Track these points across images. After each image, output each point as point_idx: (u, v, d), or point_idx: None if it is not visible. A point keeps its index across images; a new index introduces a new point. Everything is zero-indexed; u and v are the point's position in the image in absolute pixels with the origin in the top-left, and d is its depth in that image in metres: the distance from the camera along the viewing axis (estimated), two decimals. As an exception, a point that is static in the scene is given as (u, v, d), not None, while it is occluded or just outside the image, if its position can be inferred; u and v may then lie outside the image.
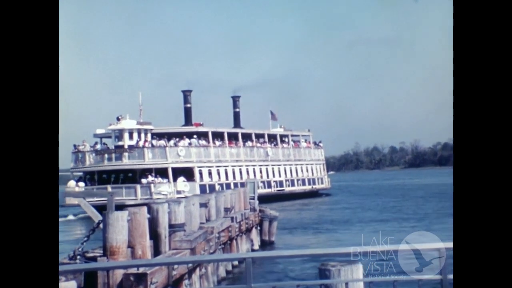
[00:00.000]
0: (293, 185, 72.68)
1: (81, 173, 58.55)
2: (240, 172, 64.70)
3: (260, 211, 31.21)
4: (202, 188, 57.13)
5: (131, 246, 13.17)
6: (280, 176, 70.93)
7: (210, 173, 60.64)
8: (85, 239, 13.59)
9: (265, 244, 29.63)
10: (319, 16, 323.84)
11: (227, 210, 25.04)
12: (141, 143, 57.13)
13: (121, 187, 54.23)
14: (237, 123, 73.79)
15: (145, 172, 56.21)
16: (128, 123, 57.85)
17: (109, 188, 52.08)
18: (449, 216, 41.12)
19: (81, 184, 55.76)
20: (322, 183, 79.48)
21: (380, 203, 58.87)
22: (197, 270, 16.20)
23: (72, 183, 56.02)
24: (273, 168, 70.22)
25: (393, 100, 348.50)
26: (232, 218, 23.97)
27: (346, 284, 4.98)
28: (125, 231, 12.97)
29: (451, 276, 4.59)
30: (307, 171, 76.23)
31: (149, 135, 58.83)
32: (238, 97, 75.67)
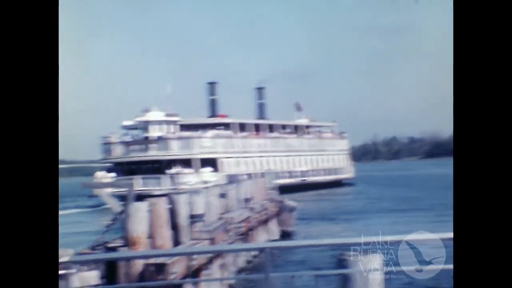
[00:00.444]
0: (316, 175, 73.67)
1: (110, 164, 60.06)
2: (265, 162, 65.50)
3: (279, 201, 31.27)
4: (227, 178, 56.64)
5: (151, 236, 13.30)
6: (303, 166, 71.89)
7: (234, 164, 61.47)
8: (106, 229, 13.74)
9: (284, 234, 29.70)
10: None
11: (246, 200, 25.13)
12: (167, 135, 58.36)
13: (148, 177, 55.39)
14: (262, 114, 75.09)
15: (171, 163, 57.03)
16: (154, 115, 59.37)
17: (137, 178, 53.72)
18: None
19: (111, 174, 57.35)
20: (345, 173, 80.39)
21: (399, 194, 58.69)
22: (217, 260, 16.31)
23: (100, 173, 57.83)
24: (297, 159, 71.13)
25: (413, 89, 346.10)
26: (251, 209, 24.06)
27: (365, 274, 5.01)
28: (145, 221, 13.10)
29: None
30: (329, 161, 77.20)
31: (175, 127, 60.07)
32: (263, 88, 77.06)
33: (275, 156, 68.16)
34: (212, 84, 70.07)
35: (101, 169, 59.45)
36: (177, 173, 55.46)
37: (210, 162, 58.52)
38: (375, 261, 5.16)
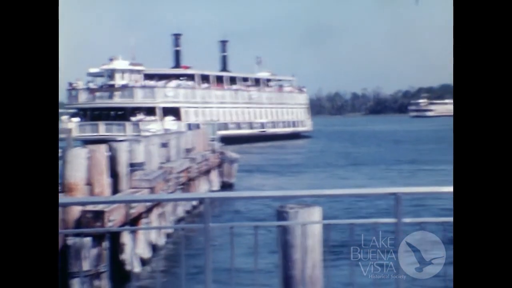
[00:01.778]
0: (275, 127, 76.30)
1: (74, 110, 61.70)
2: (224, 113, 68.00)
3: (220, 153, 31.29)
4: (189, 126, 58.20)
5: (89, 183, 13.10)
6: (263, 118, 74.30)
7: (196, 113, 63.27)
8: (43, 175, 13.43)
9: (225, 186, 29.83)
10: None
11: (187, 150, 25.03)
12: (132, 83, 60.71)
13: (112, 123, 58.00)
14: (224, 67, 77.03)
15: (135, 111, 59.09)
16: (120, 64, 61.22)
17: (101, 124, 56.92)
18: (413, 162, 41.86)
19: (75, 119, 58.79)
20: (303, 125, 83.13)
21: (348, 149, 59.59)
22: (156, 209, 16.24)
23: (65, 118, 58.79)
24: (256, 111, 73.44)
25: (358, 47, 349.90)
26: (192, 159, 23.99)
27: (303, 226, 5.02)
28: (84, 168, 12.87)
29: (405, 220, 4.67)
30: (289, 114, 79.71)
31: (140, 76, 62.14)
32: (226, 41, 79.32)
33: (236, 107, 70.21)
34: (176, 35, 71.94)
35: (66, 114, 60.53)
36: (140, 121, 57.24)
37: (173, 111, 60.25)
38: (315, 213, 5.17)
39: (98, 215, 11.59)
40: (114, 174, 14.83)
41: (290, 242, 5.16)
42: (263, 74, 80.00)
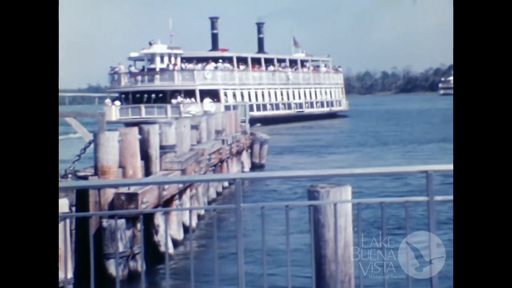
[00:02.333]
0: (312, 107, 77.32)
1: (116, 94, 63.63)
2: (262, 94, 69.64)
3: (251, 134, 31.33)
4: (227, 108, 58.79)
5: (122, 166, 13.25)
6: (300, 98, 75.40)
7: (234, 95, 64.90)
8: (77, 158, 13.63)
9: (256, 167, 29.90)
10: None
11: (218, 132, 25.12)
12: (171, 66, 61.85)
13: (153, 106, 60.21)
14: (261, 49, 77.95)
15: (174, 93, 60.50)
16: (159, 48, 62.69)
17: (142, 107, 59.31)
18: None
19: (117, 103, 60.92)
20: (340, 105, 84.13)
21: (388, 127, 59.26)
22: (188, 190, 16.38)
23: (108, 101, 61.70)
24: (293, 91, 74.53)
25: (388, 26, 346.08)
26: (223, 141, 24.08)
27: (335, 205, 5.03)
28: (116, 151, 13.01)
29: (437, 198, 4.65)
30: (325, 94, 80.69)
31: (178, 59, 63.51)
32: (262, 23, 79.90)
33: (273, 88, 71.42)
34: (213, 19, 72.93)
35: (109, 97, 63.36)
36: (180, 103, 58.46)
37: (211, 93, 61.81)
38: (346, 192, 5.19)
39: (132, 197, 11.74)
40: (146, 157, 14.97)
41: (322, 222, 5.19)
42: (299, 55, 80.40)
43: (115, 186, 11.57)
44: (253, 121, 61.73)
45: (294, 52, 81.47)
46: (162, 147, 16.15)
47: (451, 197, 4.86)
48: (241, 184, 4.79)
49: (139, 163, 13.92)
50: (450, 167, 6.03)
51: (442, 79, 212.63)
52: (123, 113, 59.63)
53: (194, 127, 21.07)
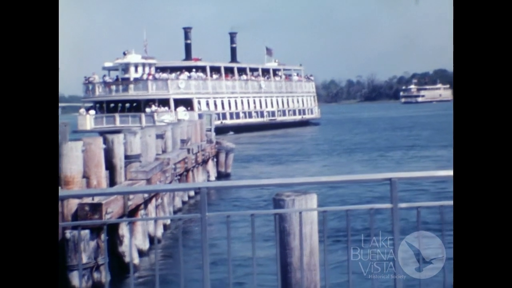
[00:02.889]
0: (284, 115, 79.22)
1: (91, 103, 64.94)
2: (235, 103, 71.50)
3: (217, 143, 31.28)
4: (200, 116, 61.32)
5: (86, 176, 13.09)
6: (272, 107, 77.32)
7: (207, 104, 66.77)
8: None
9: (221, 176, 29.84)
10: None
11: (183, 141, 25.01)
12: (145, 76, 63.53)
13: (127, 115, 61.49)
14: (233, 58, 79.71)
15: (149, 102, 62.27)
16: (133, 58, 64.36)
17: (117, 116, 60.60)
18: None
19: (92, 112, 62.17)
20: (312, 113, 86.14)
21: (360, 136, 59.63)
22: (153, 200, 16.25)
23: (82, 111, 62.94)
24: (266, 100, 76.51)
25: (351, 34, 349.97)
26: (188, 150, 23.98)
27: (300, 213, 5.03)
28: (80, 161, 12.86)
29: (401, 205, 4.68)
30: (297, 102, 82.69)
31: (152, 69, 65.38)
32: (235, 33, 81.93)
33: (246, 97, 73.23)
34: (187, 29, 74.65)
35: (83, 107, 64.63)
36: (154, 112, 60.00)
37: (185, 102, 63.52)
38: (311, 200, 5.19)
39: (96, 208, 11.60)
40: (110, 167, 14.83)
41: (287, 230, 5.18)
42: (271, 64, 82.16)
43: (79, 196, 11.42)
44: (226, 129, 64.85)
45: (267, 61, 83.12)
46: (127, 157, 16.01)
47: (415, 204, 4.91)
48: (207, 193, 4.77)
49: (103, 173, 13.78)
50: (414, 174, 6.09)
51: (404, 87, 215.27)
52: (98, 122, 60.59)
53: (159, 136, 20.95)
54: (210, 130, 33.38)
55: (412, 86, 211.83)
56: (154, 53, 70.89)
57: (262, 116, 74.96)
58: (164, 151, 21.34)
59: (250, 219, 4.81)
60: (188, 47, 73.64)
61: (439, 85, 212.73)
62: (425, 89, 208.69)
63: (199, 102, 65.39)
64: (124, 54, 64.20)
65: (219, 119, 65.15)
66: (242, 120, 70.98)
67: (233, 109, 70.34)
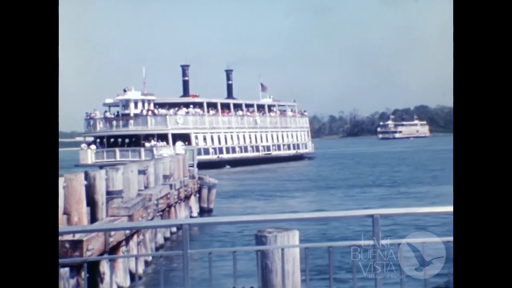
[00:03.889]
0: (279, 149, 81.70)
1: (92, 138, 67.29)
2: (232, 138, 74.00)
3: (199, 178, 31.19)
4: (198, 151, 64.79)
5: (67, 212, 12.96)
6: (267, 141, 79.92)
7: (205, 138, 69.95)
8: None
9: (204, 211, 29.69)
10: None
11: (166, 177, 24.91)
12: (144, 112, 66.44)
13: (127, 150, 63.82)
14: (229, 94, 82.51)
15: (148, 137, 64.88)
16: (133, 94, 67.30)
17: (117, 150, 62.80)
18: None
19: (93, 147, 64.52)
20: (306, 148, 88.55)
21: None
22: (135, 237, 16.11)
23: (84, 145, 65.09)
24: (261, 135, 79.08)
25: (333, 71, 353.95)
26: (170, 185, 23.87)
27: (282, 250, 5.02)
28: (61, 197, 12.74)
29: (383, 241, 4.69)
30: (292, 137, 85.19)
31: (151, 105, 68.18)
32: (231, 70, 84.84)
33: (242, 132, 75.89)
34: (184, 66, 78.12)
35: (85, 142, 66.90)
36: (153, 146, 61.94)
37: (183, 137, 65.93)
38: (293, 237, 5.18)
39: (76, 245, 11.46)
40: (92, 203, 14.70)
41: (269, 266, 5.16)
42: (266, 100, 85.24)
43: (60, 234, 11.28)
44: (223, 163, 68.38)
45: (262, 96, 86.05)
46: (108, 193, 15.89)
47: (397, 241, 4.91)
48: (189, 230, 4.75)
49: (84, 209, 13.65)
50: (396, 210, 6.10)
51: (381, 123, 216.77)
52: (99, 157, 62.64)
53: (142, 172, 20.85)
54: (192, 166, 33.31)
55: (390, 122, 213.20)
56: (153, 90, 75.01)
57: (257, 150, 77.51)
58: (146, 187, 21.23)
59: (233, 255, 4.79)
60: (185, 84, 77.32)
61: (416, 121, 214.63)
62: (403, 125, 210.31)
63: (196, 137, 68.28)
64: (125, 91, 66.94)
65: (215, 153, 69.45)
66: (238, 154, 73.25)
67: (229, 143, 73.12)
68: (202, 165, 62.14)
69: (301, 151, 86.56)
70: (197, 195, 29.97)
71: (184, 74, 77.63)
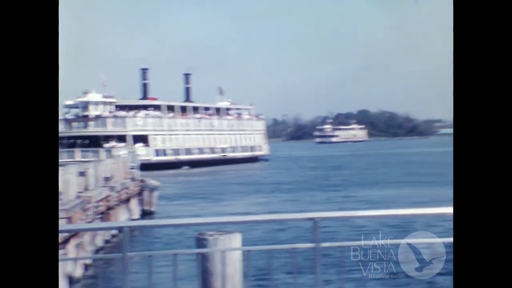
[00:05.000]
0: (235, 151, 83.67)
1: None
2: (189, 139, 75.98)
3: (141, 181, 30.89)
4: (157, 152, 69.68)
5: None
6: (224, 143, 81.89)
7: (163, 140, 72.11)
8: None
9: (145, 214, 29.40)
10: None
11: (106, 179, 24.57)
12: (104, 114, 68.37)
13: (87, 150, 65.06)
14: (188, 98, 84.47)
15: (107, 138, 66.45)
16: (93, 96, 69.42)
17: (77, 151, 64.67)
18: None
19: None
20: (261, 150, 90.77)
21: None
22: (73, 239, 15.81)
23: None
24: (218, 137, 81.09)
25: (279, 73, 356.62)
26: (111, 188, 23.56)
27: (223, 253, 5.00)
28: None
29: (323, 244, 4.72)
30: (248, 139, 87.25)
31: (112, 107, 70.01)
32: (189, 74, 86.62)
33: (199, 134, 77.73)
34: (144, 70, 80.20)
35: None
36: (113, 147, 63.45)
37: (142, 138, 68.63)
38: (235, 240, 5.16)
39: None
40: (29, 205, 14.36)
41: (210, 270, 5.12)
42: (223, 103, 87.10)
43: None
44: (180, 164, 70.25)
45: (219, 100, 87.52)
46: (46, 195, 15.57)
47: (336, 244, 4.96)
48: (129, 232, 4.68)
49: (21, 212, 13.32)
50: (336, 214, 6.15)
51: (318, 127, 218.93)
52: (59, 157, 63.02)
53: (82, 173, 20.52)
54: (134, 168, 32.95)
55: (327, 126, 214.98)
56: (113, 92, 74.00)
57: (214, 152, 79.50)
58: (86, 189, 20.88)
59: (173, 258, 4.74)
60: (145, 87, 79.29)
61: (354, 125, 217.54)
62: (340, 129, 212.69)
63: (155, 139, 70.36)
64: (85, 93, 69.44)
65: (173, 154, 71.79)
66: (195, 156, 75.24)
67: (187, 145, 75.21)
68: (160, 166, 64.28)
69: (257, 153, 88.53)
70: (139, 197, 29.65)
71: (144, 77, 79.37)
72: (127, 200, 26.92)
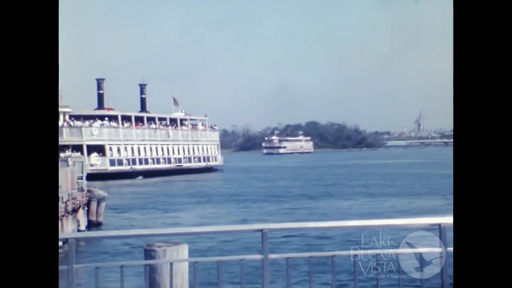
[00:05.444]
0: (190, 161, 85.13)
1: None
2: (145, 150, 77.01)
3: (88, 191, 30.45)
4: (112, 162, 70.54)
5: None
6: (179, 154, 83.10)
7: (119, 150, 73.09)
8: None
9: (93, 225, 28.97)
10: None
11: (53, 189, 24.14)
12: (59, 123, 66.66)
13: None
14: (143, 108, 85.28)
15: (63, 148, 64.92)
16: None
17: None
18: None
19: None
20: (216, 160, 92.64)
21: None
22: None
23: None
24: (173, 147, 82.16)
25: (231, 84, 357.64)
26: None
27: (171, 264, 4.97)
28: None
29: (271, 256, 4.75)
30: (202, 150, 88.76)
31: (67, 116, 69.72)
32: (145, 85, 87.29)
33: (154, 144, 78.72)
34: (99, 80, 79.93)
35: None
36: (68, 157, 60.76)
37: (98, 148, 69.25)
38: (183, 251, 5.15)
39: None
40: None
41: (158, 281, 5.09)
42: (178, 114, 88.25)
43: None
44: (135, 174, 71.16)
45: (174, 110, 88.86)
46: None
47: (285, 255, 4.99)
48: (75, 244, 4.62)
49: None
50: (285, 225, 6.18)
51: (266, 138, 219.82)
52: None
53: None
54: (81, 178, 32.46)
55: (274, 137, 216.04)
56: (69, 102, 73.46)
57: (169, 162, 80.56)
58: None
59: (120, 270, 4.70)
60: (100, 97, 79.24)
61: (300, 137, 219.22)
62: (287, 140, 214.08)
63: (110, 149, 71.32)
64: None
65: (129, 164, 72.58)
66: (151, 166, 76.27)
67: (142, 155, 76.13)
68: (116, 176, 64.11)
69: (211, 163, 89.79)
70: (86, 208, 29.21)
71: (99, 87, 79.22)
72: (74, 211, 26.48)
